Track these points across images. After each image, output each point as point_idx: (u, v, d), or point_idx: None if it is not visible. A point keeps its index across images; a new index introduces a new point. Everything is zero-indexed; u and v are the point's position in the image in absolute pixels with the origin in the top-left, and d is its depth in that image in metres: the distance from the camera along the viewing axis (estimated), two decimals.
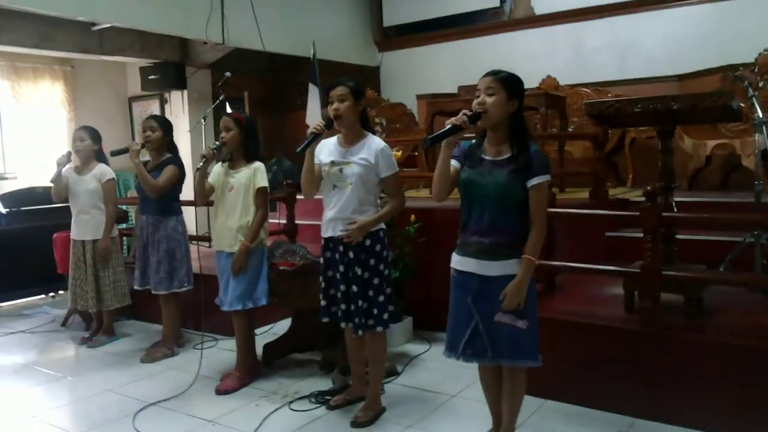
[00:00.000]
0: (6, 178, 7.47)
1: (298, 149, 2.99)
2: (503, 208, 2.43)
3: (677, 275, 3.03)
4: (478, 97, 2.46)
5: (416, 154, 6.25)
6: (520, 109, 2.50)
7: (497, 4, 7.91)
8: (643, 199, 3.05)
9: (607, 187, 4.82)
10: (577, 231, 4.27)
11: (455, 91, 7.44)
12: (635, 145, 5.91)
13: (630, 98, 3.08)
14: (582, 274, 3.76)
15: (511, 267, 2.43)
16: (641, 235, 2.86)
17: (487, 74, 2.49)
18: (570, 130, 5.66)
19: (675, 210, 3.25)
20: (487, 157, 2.50)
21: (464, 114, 2.43)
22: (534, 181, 2.41)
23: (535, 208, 2.43)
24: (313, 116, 7.04)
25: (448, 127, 2.42)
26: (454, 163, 2.54)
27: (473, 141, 2.60)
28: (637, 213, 3.06)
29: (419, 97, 7.34)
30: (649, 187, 3.00)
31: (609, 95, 6.06)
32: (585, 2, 7.45)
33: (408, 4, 8.59)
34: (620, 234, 4.45)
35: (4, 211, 5.74)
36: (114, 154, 4.20)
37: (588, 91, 6.30)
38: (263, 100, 8.48)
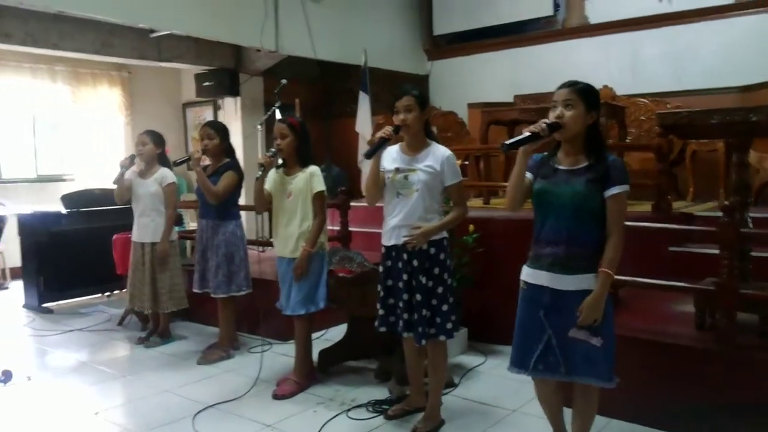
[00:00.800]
0: (64, 180, 7.72)
1: (366, 153, 3.00)
2: (580, 219, 2.36)
3: (756, 294, 2.90)
4: (555, 108, 2.39)
5: (467, 163, 6.20)
6: (597, 119, 2.44)
7: (551, 12, 7.82)
8: (709, 213, 2.93)
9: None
10: (640, 245, 4.13)
11: (507, 99, 7.37)
12: (696, 158, 5.74)
13: (706, 109, 2.98)
14: (645, 288, 3.65)
15: (586, 282, 2.35)
16: (708, 251, 2.75)
17: (564, 85, 2.41)
18: (627, 141, 5.54)
19: (751, 226, 3.13)
20: (562, 167, 2.43)
21: (544, 123, 2.37)
22: (613, 191, 2.33)
23: (613, 219, 2.34)
24: (364, 123, 7.07)
25: (526, 134, 2.36)
26: (527, 175, 2.49)
27: (545, 153, 2.54)
28: (714, 228, 2.95)
29: (471, 105, 7.30)
30: (727, 202, 2.89)
31: (668, 106, 5.94)
32: (641, 11, 7.31)
33: (459, 13, 8.56)
34: (684, 249, 4.31)
35: (64, 211, 5.87)
36: (176, 164, 4.27)
37: (646, 101, 6.16)
38: (313, 106, 8.55)
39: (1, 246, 6.94)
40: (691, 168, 5.74)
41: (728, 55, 6.71)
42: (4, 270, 7.10)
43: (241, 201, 4.37)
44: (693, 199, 5.65)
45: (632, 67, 7.33)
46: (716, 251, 3.93)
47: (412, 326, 3.00)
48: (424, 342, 2.99)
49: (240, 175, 4.17)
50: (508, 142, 2.42)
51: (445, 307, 2.99)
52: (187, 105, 8.54)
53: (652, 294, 3.79)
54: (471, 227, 4.15)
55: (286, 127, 3.57)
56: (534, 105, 5.69)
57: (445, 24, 8.77)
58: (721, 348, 2.91)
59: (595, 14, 7.68)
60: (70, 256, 5.79)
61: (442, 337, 3.01)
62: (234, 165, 4.19)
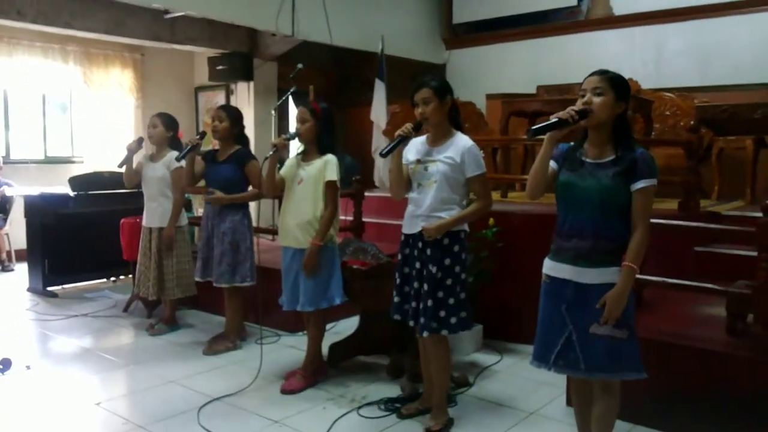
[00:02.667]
0: (73, 162, 7.64)
1: (383, 151, 2.91)
2: (605, 212, 2.29)
3: None
4: (584, 96, 2.32)
5: (483, 156, 6.02)
6: (625, 110, 2.36)
7: (574, 2, 7.65)
8: (737, 213, 2.77)
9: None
10: (665, 244, 3.97)
11: (527, 91, 7.19)
12: (723, 156, 5.55)
13: (750, 103, 2.81)
14: (669, 289, 3.49)
15: (610, 275, 2.27)
16: (735, 251, 2.61)
17: (594, 73, 2.35)
18: (652, 136, 5.35)
19: None
20: (588, 160, 2.36)
21: (572, 109, 2.29)
22: (640, 185, 2.25)
23: (639, 213, 2.27)
24: (379, 112, 6.93)
25: (554, 120, 2.28)
26: (551, 164, 2.41)
27: (572, 143, 2.45)
28: (750, 228, 2.79)
29: (489, 96, 7.12)
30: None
31: (695, 101, 5.74)
32: (666, 4, 7.13)
33: (479, 2, 8.40)
34: (711, 249, 4.14)
35: (72, 194, 5.76)
36: (180, 158, 4.12)
37: (672, 96, 5.96)
38: (327, 94, 8.40)
39: (6, 227, 6.86)
40: (717, 166, 5.54)
41: (756, 51, 6.53)
42: (9, 252, 7.01)
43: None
44: (718, 197, 5.46)
45: (656, 60, 7.15)
46: (744, 252, 3.81)
47: (418, 316, 2.90)
48: (426, 334, 2.87)
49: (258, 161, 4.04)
50: (535, 127, 2.34)
51: (451, 301, 2.86)
52: (199, 89, 8.41)
53: (677, 295, 3.63)
54: (491, 221, 3.99)
55: (307, 112, 3.40)
56: (558, 96, 5.50)
57: (464, 12, 8.59)
58: (755, 355, 2.75)
59: (620, 6, 7.49)
60: (77, 240, 5.68)
61: (443, 332, 2.88)
62: (249, 153, 4.06)
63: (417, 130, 2.87)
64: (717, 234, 4.08)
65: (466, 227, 2.95)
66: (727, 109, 2.83)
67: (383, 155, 2.90)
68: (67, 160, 7.65)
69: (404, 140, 2.85)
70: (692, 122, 4.21)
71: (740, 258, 3.87)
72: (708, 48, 6.89)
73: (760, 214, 2.83)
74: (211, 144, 4.35)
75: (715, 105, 2.91)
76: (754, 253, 2.85)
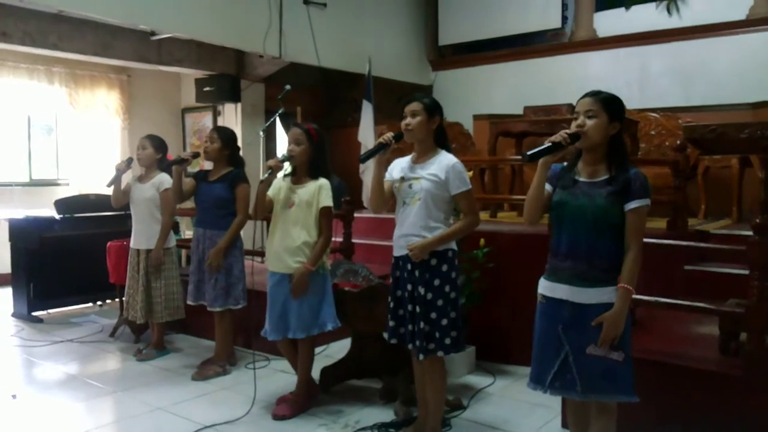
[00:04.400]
0: (59, 184, 7.55)
1: (362, 157, 2.92)
2: (599, 232, 2.30)
3: None
4: (577, 118, 2.33)
5: (470, 173, 6.05)
6: (620, 130, 2.37)
7: (558, 25, 7.74)
8: (724, 231, 2.79)
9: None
10: (653, 263, 3.98)
11: (512, 111, 7.25)
12: (708, 175, 5.61)
13: (736, 123, 2.84)
14: (659, 309, 3.50)
15: (607, 295, 2.28)
16: (724, 270, 2.62)
17: (587, 95, 2.36)
18: (638, 155, 5.41)
19: None
20: (581, 179, 2.37)
21: (565, 132, 2.30)
22: (633, 205, 2.27)
23: (632, 234, 2.28)
24: (367, 133, 6.93)
25: (548, 144, 2.30)
26: (546, 187, 2.41)
27: (565, 163, 2.46)
28: (740, 247, 2.81)
29: (476, 117, 7.17)
30: (758, 220, 2.74)
31: (680, 121, 5.82)
32: (650, 26, 7.26)
33: (464, 24, 8.48)
34: (700, 268, 4.17)
35: (57, 217, 5.69)
36: (167, 165, 4.11)
37: (657, 116, 6.05)
38: (315, 115, 8.41)
39: None
40: (703, 185, 5.61)
41: (739, 72, 6.64)
42: None
43: None
44: (705, 216, 5.51)
45: (640, 81, 7.26)
46: (733, 270, 3.84)
47: (413, 338, 2.87)
48: (422, 357, 2.85)
49: (249, 185, 4.03)
50: (529, 153, 2.35)
51: (444, 322, 2.84)
52: (186, 110, 8.38)
53: (668, 315, 3.64)
54: (482, 241, 3.98)
55: (302, 134, 3.33)
56: (545, 116, 5.55)
57: (450, 34, 8.68)
58: (748, 374, 2.75)
59: (604, 28, 7.61)
60: (62, 264, 5.59)
61: (439, 353, 2.85)
62: (241, 175, 4.02)
63: (398, 141, 2.87)
64: (706, 252, 4.12)
65: (453, 246, 2.93)
66: (715, 128, 2.85)
67: (362, 161, 2.93)
68: (52, 183, 7.56)
69: (384, 148, 2.84)
70: (678, 142, 4.26)
71: (729, 276, 3.90)
72: (690, 69, 7.01)
73: (749, 233, 2.85)
74: (199, 165, 4.33)
75: (703, 125, 2.93)
76: (743, 272, 2.87)
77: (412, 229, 2.85)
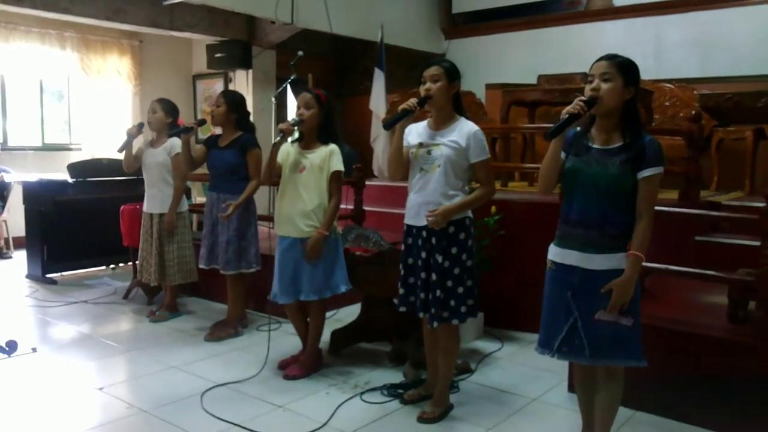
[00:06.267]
0: (71, 149, 7.59)
1: (386, 124, 2.86)
2: (611, 200, 2.28)
3: None
4: (592, 82, 2.29)
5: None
6: (635, 96, 2.34)
7: None
8: (736, 203, 2.78)
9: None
10: (666, 233, 3.98)
11: (526, 81, 7.16)
12: (722, 147, 5.56)
13: (753, 92, 2.82)
14: (670, 278, 3.51)
15: (617, 261, 2.28)
16: (735, 241, 2.62)
17: (602, 58, 2.32)
18: (652, 126, 5.36)
19: None
20: (594, 146, 2.34)
21: (581, 100, 2.27)
22: (646, 173, 2.25)
23: (645, 202, 2.27)
24: (378, 101, 6.89)
25: (565, 117, 2.25)
26: (561, 154, 2.38)
27: (578, 129, 2.43)
28: (753, 216, 2.80)
29: (489, 86, 7.11)
30: None
31: (695, 92, 5.75)
32: None
33: None
34: (710, 239, 4.16)
35: (70, 180, 5.73)
36: (170, 135, 4.13)
37: (671, 87, 5.97)
38: (326, 83, 8.38)
39: (5, 215, 6.83)
40: (716, 157, 5.56)
41: (755, 42, 6.53)
42: (7, 239, 6.98)
43: None
44: (717, 188, 5.47)
45: (656, 52, 7.16)
46: (744, 242, 3.83)
47: (428, 307, 2.88)
48: (436, 324, 2.86)
49: (260, 149, 4.03)
50: (550, 131, 2.31)
51: (460, 290, 2.85)
52: (197, 77, 8.37)
53: (678, 284, 3.65)
54: (493, 209, 3.99)
55: (312, 98, 3.33)
56: (558, 86, 5.49)
57: (463, 2, 8.58)
58: (757, 341, 2.77)
59: None
60: (76, 227, 5.66)
61: (454, 321, 2.87)
62: (252, 140, 4.02)
63: (422, 106, 2.79)
64: (717, 223, 4.11)
65: (470, 214, 2.92)
66: (732, 97, 2.85)
67: (386, 127, 2.86)
68: (64, 147, 7.61)
69: (408, 114, 2.77)
70: (693, 111, 4.22)
71: (740, 247, 3.89)
72: (707, 39, 6.90)
73: (760, 204, 2.84)
74: (210, 131, 4.33)
75: (719, 93, 2.91)
76: (754, 243, 2.87)
77: (432, 196, 2.81)
